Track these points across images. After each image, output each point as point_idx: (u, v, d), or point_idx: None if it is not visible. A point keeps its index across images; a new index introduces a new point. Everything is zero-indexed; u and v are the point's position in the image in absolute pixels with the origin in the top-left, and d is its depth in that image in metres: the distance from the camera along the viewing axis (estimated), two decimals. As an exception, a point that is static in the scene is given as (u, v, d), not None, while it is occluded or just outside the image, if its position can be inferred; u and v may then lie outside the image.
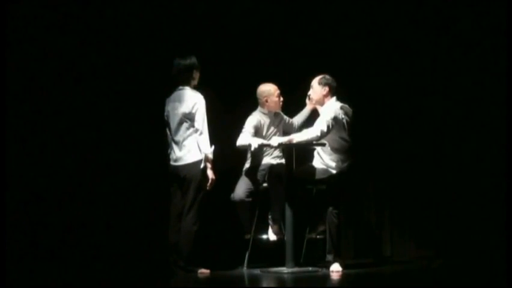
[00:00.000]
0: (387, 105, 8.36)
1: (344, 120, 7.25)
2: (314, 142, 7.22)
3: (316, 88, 7.40)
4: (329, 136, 7.23)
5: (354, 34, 8.36)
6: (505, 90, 7.67)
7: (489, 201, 7.88)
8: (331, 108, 7.28)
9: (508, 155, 7.55)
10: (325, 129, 7.16)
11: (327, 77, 7.40)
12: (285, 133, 7.66)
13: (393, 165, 8.31)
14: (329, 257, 7.19)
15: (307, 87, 7.51)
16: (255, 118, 7.66)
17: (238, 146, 7.56)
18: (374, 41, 8.34)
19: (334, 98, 7.36)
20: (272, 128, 7.70)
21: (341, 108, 7.29)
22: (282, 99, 7.71)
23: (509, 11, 7.67)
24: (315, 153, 7.42)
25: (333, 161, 7.28)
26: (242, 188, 7.58)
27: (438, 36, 8.19)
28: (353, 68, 8.32)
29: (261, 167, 7.67)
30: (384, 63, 8.35)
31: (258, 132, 7.62)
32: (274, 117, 7.73)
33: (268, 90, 7.67)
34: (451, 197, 8.07)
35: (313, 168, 7.37)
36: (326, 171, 7.29)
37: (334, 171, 7.27)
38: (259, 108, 7.72)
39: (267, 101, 7.67)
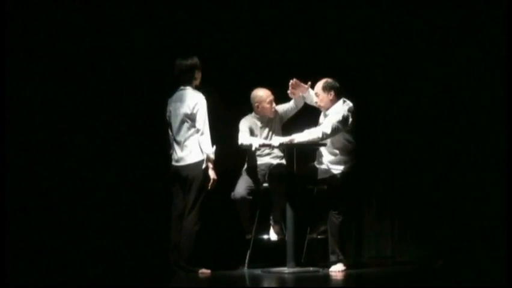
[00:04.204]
0: (387, 105, 8.38)
1: (352, 124, 7.22)
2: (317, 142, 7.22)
3: (322, 95, 7.33)
4: (333, 138, 7.20)
5: (356, 36, 8.37)
6: (505, 92, 7.68)
7: (489, 201, 7.89)
8: (339, 112, 7.22)
9: (508, 155, 7.56)
10: (329, 131, 7.13)
11: (329, 80, 7.35)
12: (288, 130, 7.65)
13: (394, 165, 8.33)
14: (332, 258, 7.19)
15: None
16: (247, 121, 7.68)
17: (241, 145, 7.56)
18: (375, 43, 8.35)
19: (341, 101, 7.31)
20: (266, 131, 7.70)
21: (349, 110, 7.23)
22: (274, 105, 7.69)
23: (509, 11, 7.68)
24: (318, 153, 7.41)
25: (336, 161, 7.27)
26: (243, 186, 7.59)
27: (440, 39, 8.21)
28: (354, 70, 8.32)
29: (261, 167, 7.68)
30: (384, 64, 8.37)
31: (251, 134, 7.63)
32: (268, 120, 7.72)
33: (260, 96, 7.67)
34: (452, 196, 8.09)
35: (315, 168, 7.37)
36: (327, 171, 7.29)
37: (336, 172, 7.27)
38: (253, 112, 7.73)
39: (258, 107, 7.67)
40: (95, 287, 6.80)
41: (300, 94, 7.60)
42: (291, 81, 7.53)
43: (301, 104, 7.73)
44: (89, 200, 7.99)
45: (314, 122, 7.43)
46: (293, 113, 7.79)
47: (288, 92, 7.60)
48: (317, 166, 7.37)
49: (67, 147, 7.99)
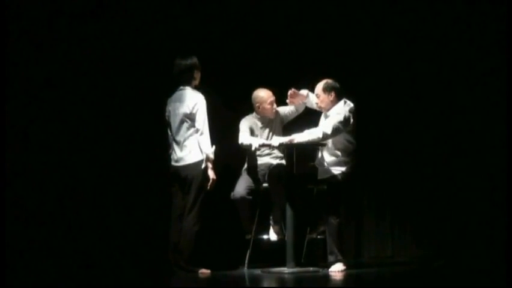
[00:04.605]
0: (387, 105, 8.38)
1: (353, 124, 7.19)
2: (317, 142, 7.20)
3: (323, 96, 7.30)
4: (334, 138, 7.18)
5: (357, 37, 8.37)
6: (505, 92, 7.68)
7: (490, 201, 7.90)
8: (340, 112, 7.18)
9: (508, 155, 7.56)
10: (329, 132, 7.09)
11: (330, 81, 7.31)
12: (288, 130, 7.64)
13: (394, 165, 8.33)
14: (331, 258, 7.16)
15: (311, 90, 7.50)
16: (247, 121, 7.68)
17: (241, 144, 7.55)
18: (375, 45, 8.35)
19: (342, 101, 7.27)
20: (266, 132, 7.69)
21: (350, 111, 7.20)
22: (275, 106, 7.68)
23: (509, 12, 7.68)
24: (318, 153, 7.39)
25: (337, 162, 7.23)
26: (243, 185, 7.59)
27: (441, 39, 8.21)
28: (355, 71, 8.32)
29: (261, 167, 7.68)
30: (383, 66, 8.38)
31: (252, 134, 7.63)
32: (269, 121, 7.71)
33: (261, 97, 7.65)
34: (452, 196, 8.10)
35: (315, 168, 7.36)
36: (328, 171, 7.27)
37: (336, 172, 7.25)
38: (254, 112, 7.72)
39: (259, 108, 7.66)
40: (95, 287, 6.80)
41: (300, 102, 7.60)
42: (289, 91, 7.53)
43: (301, 109, 7.72)
44: (89, 200, 7.99)
45: (315, 123, 7.41)
46: (294, 116, 7.79)
47: (287, 101, 7.60)
48: (317, 166, 7.36)
49: (67, 147, 7.99)
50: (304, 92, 7.57)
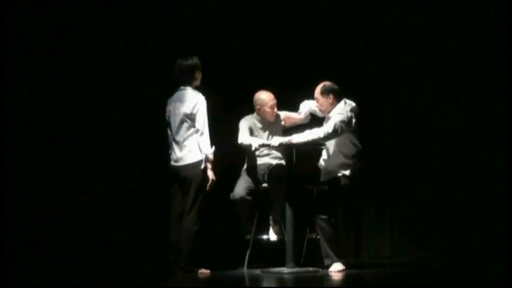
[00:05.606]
0: (387, 106, 8.38)
1: (356, 124, 7.16)
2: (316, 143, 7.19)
3: (322, 100, 7.26)
4: (338, 139, 7.15)
5: (359, 39, 8.38)
6: (505, 93, 7.68)
7: (489, 202, 7.90)
8: (342, 112, 7.13)
9: (508, 155, 7.56)
10: (331, 131, 7.04)
11: (327, 83, 7.26)
12: (289, 131, 7.64)
13: (393, 165, 8.33)
14: (327, 261, 7.13)
15: (310, 92, 7.49)
16: (247, 121, 7.68)
17: (240, 144, 7.55)
18: (374, 46, 8.36)
19: (342, 102, 7.23)
20: (266, 133, 7.69)
21: (351, 110, 7.16)
22: (276, 109, 7.65)
23: (509, 12, 7.68)
24: (322, 154, 7.36)
25: (339, 164, 7.20)
26: (242, 186, 7.59)
27: (442, 40, 8.21)
28: (355, 71, 8.32)
29: (261, 167, 7.68)
30: (382, 65, 8.38)
31: (251, 134, 7.63)
32: (269, 124, 7.71)
33: (262, 99, 7.63)
34: (451, 197, 8.10)
35: (317, 169, 7.35)
36: (329, 173, 7.25)
37: (339, 175, 7.21)
38: (254, 113, 7.72)
39: (259, 110, 7.66)
40: (95, 287, 6.80)
41: (300, 118, 7.62)
42: (282, 116, 7.64)
43: (306, 121, 7.69)
44: (88, 200, 7.99)
45: (316, 125, 7.38)
46: (296, 124, 7.76)
47: (282, 123, 7.67)
48: (320, 167, 7.35)
49: (67, 147, 7.99)
50: (303, 109, 7.57)
